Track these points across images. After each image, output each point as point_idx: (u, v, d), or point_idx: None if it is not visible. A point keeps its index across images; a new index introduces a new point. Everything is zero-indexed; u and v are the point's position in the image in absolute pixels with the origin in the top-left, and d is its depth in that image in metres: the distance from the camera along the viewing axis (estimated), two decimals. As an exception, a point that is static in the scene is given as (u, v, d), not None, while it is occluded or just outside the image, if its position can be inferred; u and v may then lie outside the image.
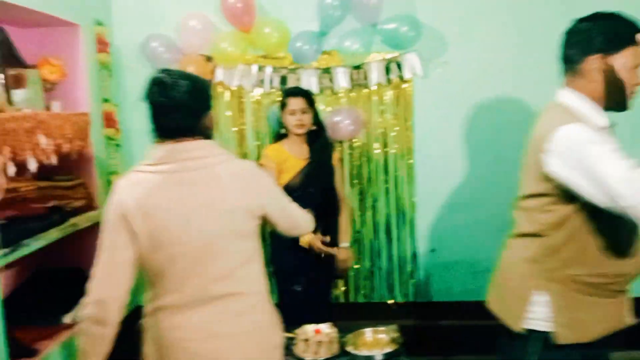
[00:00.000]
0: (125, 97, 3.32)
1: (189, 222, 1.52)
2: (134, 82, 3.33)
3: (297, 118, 2.79)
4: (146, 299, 1.64)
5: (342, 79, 3.23)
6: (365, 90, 3.27)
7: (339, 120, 3.13)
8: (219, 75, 3.23)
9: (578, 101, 1.65)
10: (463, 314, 3.35)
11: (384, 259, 3.39)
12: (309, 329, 2.53)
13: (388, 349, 2.62)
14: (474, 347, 3.32)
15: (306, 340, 2.45)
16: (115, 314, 1.54)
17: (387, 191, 3.33)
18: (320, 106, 3.20)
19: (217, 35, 3.14)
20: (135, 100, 3.33)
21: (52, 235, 2.53)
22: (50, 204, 2.67)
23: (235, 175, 1.59)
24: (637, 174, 1.38)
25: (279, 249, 2.89)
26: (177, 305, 1.55)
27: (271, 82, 3.24)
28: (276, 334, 1.68)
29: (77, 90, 2.94)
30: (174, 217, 1.51)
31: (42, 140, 2.43)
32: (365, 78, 3.23)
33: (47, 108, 2.77)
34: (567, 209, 1.60)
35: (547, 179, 1.60)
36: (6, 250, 2.16)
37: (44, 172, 2.88)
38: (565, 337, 1.64)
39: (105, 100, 3.12)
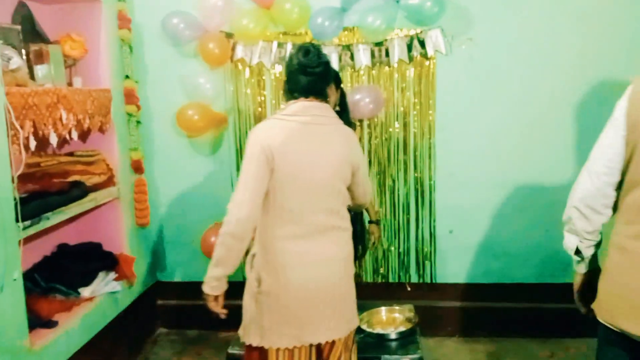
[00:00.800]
0: (146, 73, 3.33)
1: (316, 164, 1.84)
2: (155, 59, 3.35)
3: None
4: (261, 230, 1.87)
5: (363, 56, 3.17)
6: (387, 68, 3.21)
7: (359, 98, 3.08)
8: (239, 52, 3.21)
9: None
10: (479, 295, 3.32)
11: (403, 240, 3.36)
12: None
13: (402, 328, 2.62)
14: (489, 328, 3.31)
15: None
16: (250, 232, 1.81)
17: (406, 171, 3.29)
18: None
19: (238, 12, 3.11)
20: (156, 77, 3.38)
21: (73, 209, 2.58)
22: (71, 178, 2.71)
23: (346, 136, 1.94)
24: None
25: None
26: (298, 234, 1.84)
27: (291, 59, 3.20)
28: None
29: (99, 67, 2.97)
30: (305, 158, 1.82)
31: (64, 115, 2.46)
32: (387, 55, 3.17)
33: (69, 84, 2.81)
34: None
35: None
36: (26, 223, 2.21)
37: (65, 147, 2.95)
38: None
39: (127, 77, 3.13)
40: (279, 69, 3.26)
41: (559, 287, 3.25)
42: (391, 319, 2.77)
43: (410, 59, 3.16)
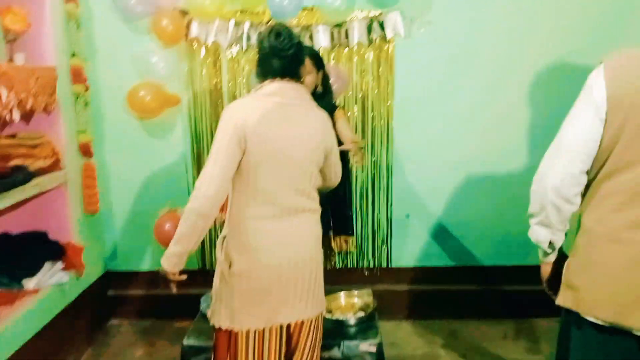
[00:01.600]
0: (94, 51, 3.16)
1: (290, 146, 1.82)
2: (105, 36, 3.17)
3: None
4: (234, 210, 1.86)
5: (322, 38, 3.10)
6: (346, 50, 3.15)
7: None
8: (194, 30, 3.07)
9: None
10: (435, 278, 3.35)
11: (360, 224, 3.34)
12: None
13: (361, 313, 2.61)
14: (444, 310, 3.35)
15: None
16: (217, 210, 1.78)
17: (363, 155, 3.26)
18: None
19: (192, -12, 2.99)
20: (106, 55, 3.21)
21: (15, 196, 2.42)
22: (13, 162, 2.55)
23: (321, 119, 1.93)
24: None
25: None
26: (271, 214, 1.83)
27: (248, 38, 3.10)
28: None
29: (43, 43, 2.79)
30: (280, 139, 1.80)
31: (3, 94, 2.29)
32: (347, 37, 3.11)
33: (10, 60, 2.63)
34: None
35: None
36: (-37, 210, 2.05)
37: (7, 129, 2.76)
38: None
39: (73, 55, 2.96)
40: (236, 48, 3.15)
41: (513, 269, 3.32)
42: (350, 304, 2.75)
43: (370, 41, 3.11)
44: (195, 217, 1.75)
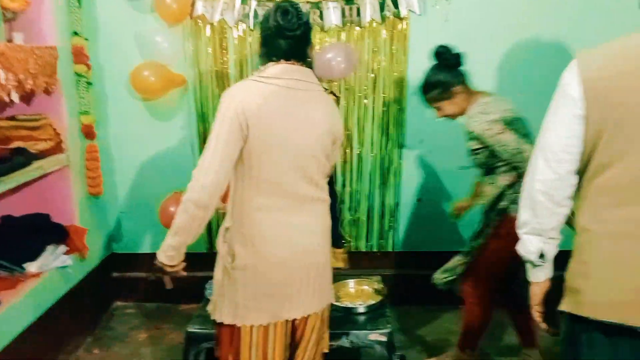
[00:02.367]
0: (97, 30, 3.07)
1: (296, 132, 1.71)
2: (107, 15, 3.08)
3: None
4: (237, 201, 1.76)
5: (332, 15, 2.99)
6: (357, 29, 3.04)
7: (330, 57, 2.90)
8: (199, 8, 2.98)
9: None
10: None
11: (367, 208, 3.27)
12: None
13: (371, 301, 2.54)
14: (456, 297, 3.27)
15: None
16: (216, 201, 1.69)
17: (372, 138, 3.17)
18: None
19: (197, -36, 2.88)
20: (108, 34, 3.12)
21: (16, 179, 2.36)
22: (14, 145, 2.49)
23: (329, 104, 1.83)
24: None
25: None
26: (276, 205, 1.73)
27: (256, 16, 2.99)
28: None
29: (43, 22, 2.71)
30: (285, 125, 1.69)
31: (1, 75, 2.22)
32: (358, 15, 2.99)
33: (9, 40, 2.55)
34: None
35: None
36: (-39, 194, 1.99)
37: (7, 110, 2.69)
38: None
39: (75, 34, 2.87)
40: (243, 27, 3.04)
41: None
42: (359, 291, 2.68)
43: (383, 19, 2.99)
44: (194, 209, 1.65)
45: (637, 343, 1.35)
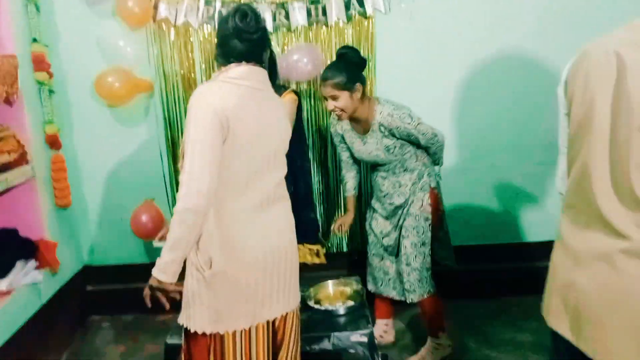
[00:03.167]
0: (57, 36, 2.98)
1: (266, 133, 1.74)
2: (67, 20, 2.99)
3: None
4: (241, 204, 1.73)
5: (299, 15, 2.97)
6: (324, 28, 3.02)
7: (296, 58, 2.89)
8: (162, 10, 2.92)
9: None
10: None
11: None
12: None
13: (351, 302, 2.53)
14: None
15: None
16: (210, 204, 1.65)
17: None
18: (275, 46, 2.96)
19: (159, -34, 2.82)
20: (70, 40, 3.03)
21: (-21, 193, 2.27)
22: (-25, 159, 2.39)
23: (282, 105, 1.88)
24: None
25: None
26: (251, 206, 1.73)
27: (221, 18, 2.95)
28: None
29: (0, 29, 2.61)
30: (257, 126, 1.72)
31: (-41, 86, 2.13)
32: (324, 14, 2.98)
33: (-35, 49, 2.45)
34: None
35: None
36: None
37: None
38: None
39: (34, 40, 2.78)
40: (208, 29, 3.00)
41: (499, 247, 3.30)
42: (339, 293, 2.67)
43: (349, 18, 2.99)
44: (193, 217, 1.59)
45: None
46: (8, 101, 2.56)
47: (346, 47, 2.51)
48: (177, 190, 3.13)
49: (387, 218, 2.67)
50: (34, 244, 2.69)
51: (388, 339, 2.92)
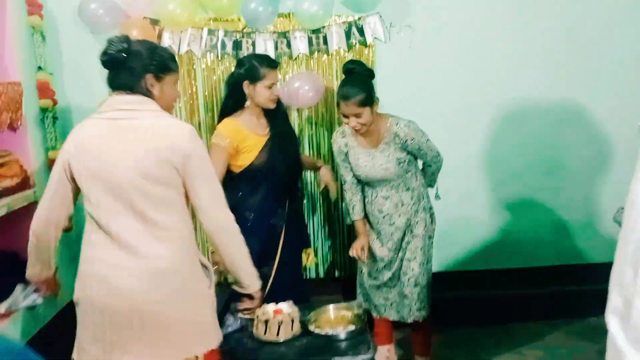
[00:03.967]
0: (62, 65, 3.03)
1: (115, 164, 1.68)
2: (72, 49, 3.05)
3: (274, 92, 2.56)
4: (94, 238, 1.78)
5: (300, 44, 3.03)
6: (325, 57, 3.08)
7: (297, 86, 2.93)
8: (166, 39, 2.99)
9: None
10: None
11: (341, 235, 3.27)
12: (269, 309, 2.38)
13: (352, 327, 2.51)
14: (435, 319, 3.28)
15: (266, 321, 2.31)
16: (46, 231, 1.85)
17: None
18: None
19: (163, -4, 2.88)
20: (74, 68, 3.08)
21: (-19, 217, 2.28)
22: (-22, 182, 2.41)
23: (165, 129, 1.71)
24: None
25: (244, 230, 2.73)
26: (102, 241, 1.73)
27: (224, 46, 3.01)
28: None
29: (6, 57, 2.67)
30: (105, 158, 1.69)
31: (-36, 111, 2.16)
32: (325, 43, 3.05)
33: (-29, 76, 2.50)
34: None
35: None
36: None
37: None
38: None
39: (39, 69, 2.84)
40: (211, 57, 3.05)
41: (503, 273, 3.28)
42: (340, 317, 2.64)
43: (349, 46, 3.05)
44: (32, 237, 1.84)
45: None
46: (12, 127, 2.60)
47: (352, 62, 2.54)
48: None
49: (384, 244, 2.64)
50: (34, 269, 2.68)
51: None
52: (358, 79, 2.43)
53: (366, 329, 2.48)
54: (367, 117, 2.42)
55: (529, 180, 3.22)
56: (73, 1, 2.90)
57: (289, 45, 3.03)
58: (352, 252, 2.62)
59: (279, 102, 2.64)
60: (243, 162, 2.57)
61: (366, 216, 2.70)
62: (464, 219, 3.25)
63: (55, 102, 2.91)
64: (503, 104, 3.16)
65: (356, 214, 2.68)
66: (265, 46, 3.00)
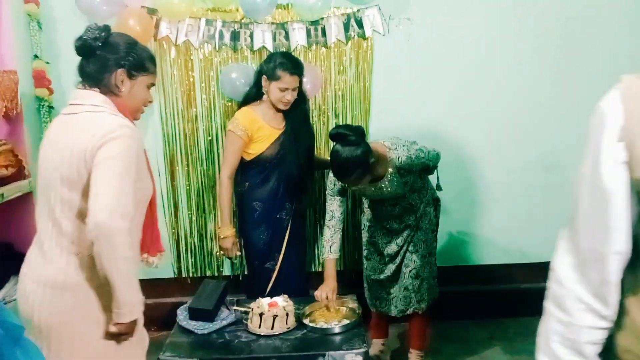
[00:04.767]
0: (58, 53, 3.00)
1: (49, 160, 1.61)
2: (69, 37, 2.99)
3: (287, 96, 2.57)
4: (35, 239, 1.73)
5: (298, 36, 3.01)
6: (323, 49, 3.06)
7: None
8: (164, 29, 2.96)
9: None
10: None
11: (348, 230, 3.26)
12: (264, 302, 2.39)
13: (346, 320, 2.51)
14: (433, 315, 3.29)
15: (261, 314, 2.32)
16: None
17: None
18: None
19: (161, -14, 2.86)
20: (71, 57, 3.04)
21: (-24, 207, 2.28)
22: (-28, 172, 2.40)
23: (92, 124, 1.57)
24: None
25: (248, 224, 2.74)
26: (34, 244, 1.68)
27: (221, 37, 2.99)
28: None
29: (2, 45, 2.67)
30: (45, 154, 1.64)
31: (-41, 100, 2.15)
32: (324, 35, 3.02)
33: (-34, 64, 2.48)
34: None
35: None
36: None
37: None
38: None
39: (36, 57, 2.82)
40: (209, 48, 3.03)
41: (496, 267, 3.29)
42: (334, 311, 2.65)
43: (348, 39, 3.03)
44: None
45: None
46: (7, 116, 2.59)
47: (339, 127, 2.36)
48: (174, 206, 3.16)
49: (392, 240, 2.63)
50: (29, 259, 2.68)
51: (385, 359, 2.89)
52: (349, 149, 2.23)
53: (361, 323, 2.49)
54: (368, 179, 2.37)
55: (526, 176, 3.21)
56: (70, -11, 2.87)
57: (287, 36, 3.01)
58: (318, 297, 2.52)
59: (300, 101, 2.67)
60: (254, 150, 2.64)
61: (372, 218, 2.69)
62: (459, 213, 3.24)
63: (51, 91, 2.89)
64: (502, 98, 3.15)
65: (333, 253, 2.57)
66: (263, 37, 2.97)
